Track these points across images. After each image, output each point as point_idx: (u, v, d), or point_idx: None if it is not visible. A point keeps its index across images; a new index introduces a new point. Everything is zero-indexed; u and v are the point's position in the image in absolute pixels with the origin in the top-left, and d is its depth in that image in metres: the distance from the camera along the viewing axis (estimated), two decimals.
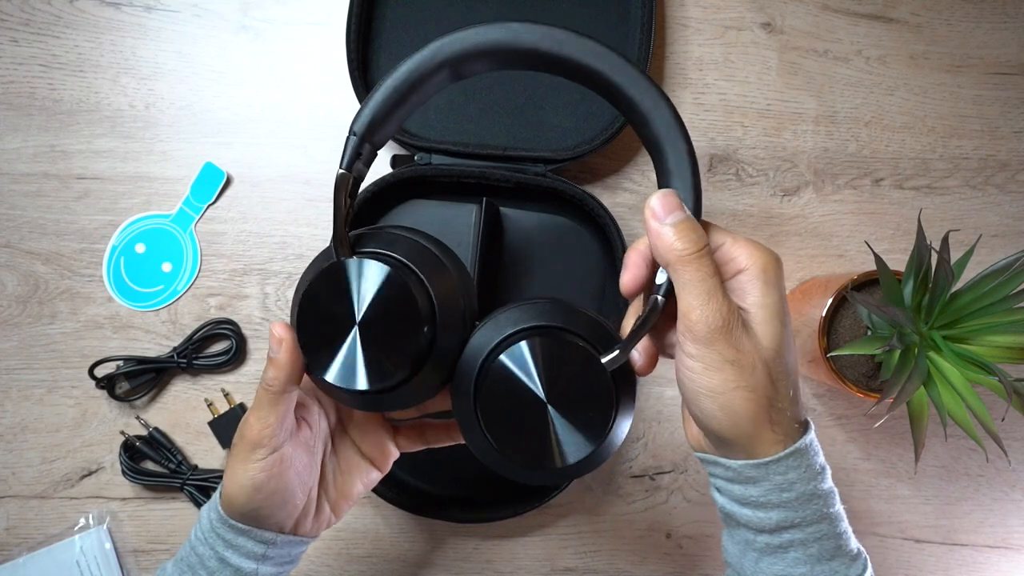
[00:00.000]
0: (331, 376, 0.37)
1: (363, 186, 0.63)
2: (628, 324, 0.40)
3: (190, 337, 0.65)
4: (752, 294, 0.36)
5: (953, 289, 0.52)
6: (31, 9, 0.68)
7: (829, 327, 0.58)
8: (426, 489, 0.65)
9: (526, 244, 0.66)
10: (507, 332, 0.39)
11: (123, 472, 0.64)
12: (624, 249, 0.63)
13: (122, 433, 0.65)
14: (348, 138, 0.40)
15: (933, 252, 0.52)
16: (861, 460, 0.67)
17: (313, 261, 0.41)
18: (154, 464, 0.65)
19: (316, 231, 0.67)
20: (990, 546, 0.67)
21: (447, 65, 0.39)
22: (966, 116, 0.69)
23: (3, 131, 0.67)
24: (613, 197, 0.68)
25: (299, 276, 0.67)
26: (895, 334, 0.51)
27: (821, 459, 0.38)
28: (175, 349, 0.65)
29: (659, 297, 0.37)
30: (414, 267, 0.38)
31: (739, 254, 0.37)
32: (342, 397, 0.41)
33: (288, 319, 0.41)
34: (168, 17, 0.68)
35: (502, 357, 0.37)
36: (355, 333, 0.37)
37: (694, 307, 0.35)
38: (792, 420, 0.37)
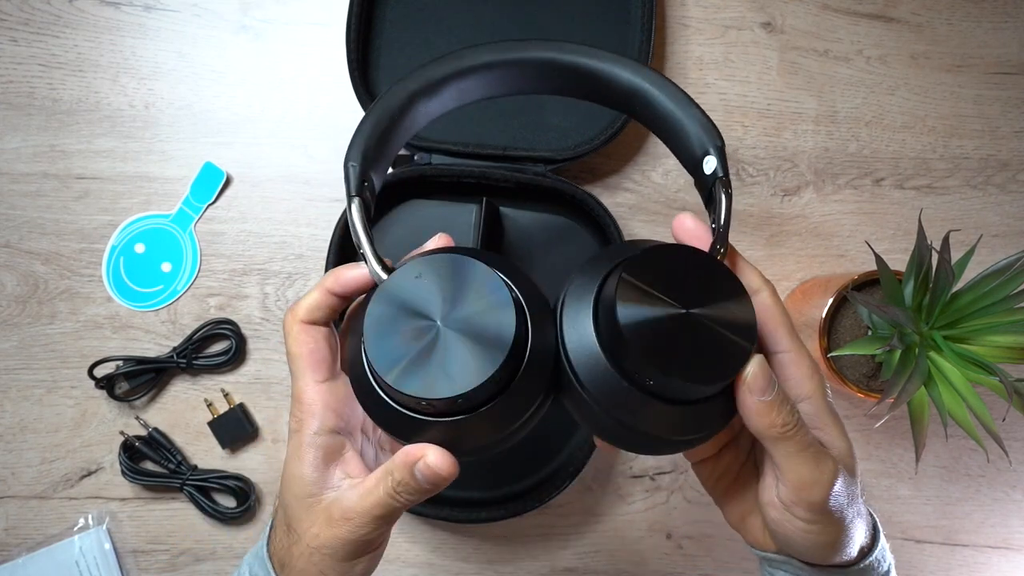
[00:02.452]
0: (433, 390, 0.31)
1: None
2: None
3: (190, 337, 0.65)
4: (828, 427, 0.35)
5: (954, 289, 0.52)
6: (30, 9, 0.68)
7: (830, 327, 0.58)
8: None
9: (526, 244, 0.66)
10: (600, 278, 0.33)
11: (122, 472, 0.64)
12: None
13: (121, 433, 0.65)
14: (347, 168, 0.36)
15: (934, 252, 0.51)
16: (862, 460, 0.66)
17: (359, 308, 0.36)
18: (154, 464, 0.65)
19: (316, 231, 0.67)
20: (991, 546, 0.67)
21: (418, 98, 0.37)
22: (967, 116, 0.69)
23: (2, 131, 0.67)
24: (613, 197, 0.68)
25: (299, 275, 0.67)
26: (896, 334, 0.51)
27: (890, 557, 0.40)
28: (175, 349, 0.65)
29: (720, 179, 0.35)
30: (475, 257, 0.34)
31: (797, 373, 0.35)
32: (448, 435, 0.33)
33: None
34: (168, 17, 0.68)
35: (619, 294, 0.31)
36: (439, 335, 0.31)
37: (807, 479, 0.33)
38: (865, 523, 0.38)
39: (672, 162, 0.68)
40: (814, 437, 0.34)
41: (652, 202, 0.68)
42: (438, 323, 0.31)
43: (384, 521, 0.34)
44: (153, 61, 0.68)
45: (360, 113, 0.65)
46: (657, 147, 0.68)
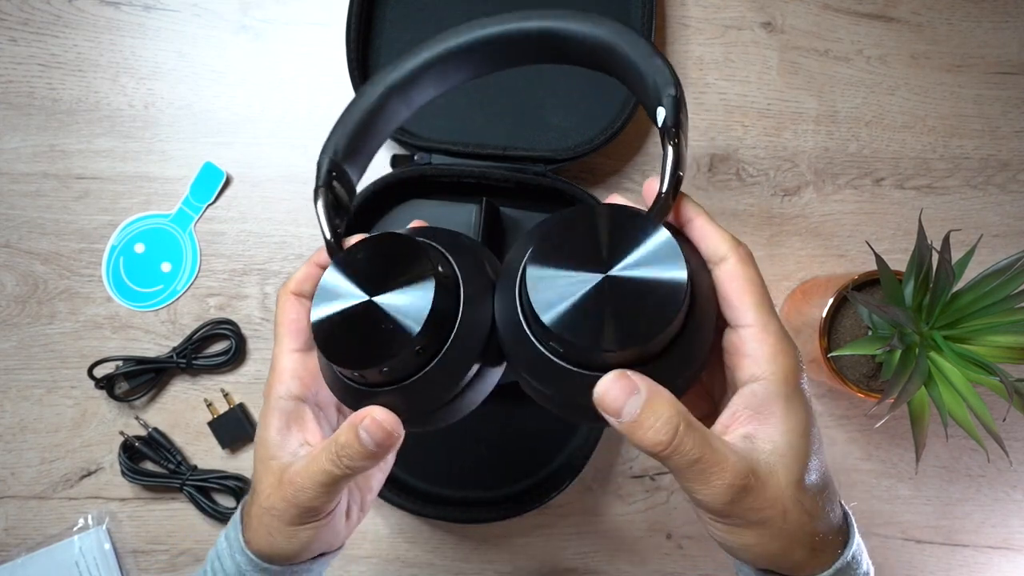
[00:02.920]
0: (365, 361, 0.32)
1: (362, 186, 0.63)
2: None
3: (189, 337, 0.65)
4: (772, 417, 0.31)
5: (954, 289, 0.52)
6: (30, 8, 0.68)
7: (830, 327, 0.58)
8: (426, 489, 0.65)
9: None
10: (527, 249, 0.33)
11: (122, 472, 0.64)
12: None
13: (121, 433, 0.65)
14: (321, 162, 0.39)
15: (934, 252, 0.51)
16: (862, 460, 0.66)
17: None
18: (153, 464, 0.65)
19: (316, 231, 0.67)
20: (991, 547, 0.66)
21: (393, 92, 0.39)
22: (967, 116, 0.69)
23: (2, 131, 0.67)
24: None
25: None
26: (896, 334, 0.51)
27: (866, 563, 0.34)
28: (174, 349, 0.65)
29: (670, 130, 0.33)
30: (417, 236, 0.36)
31: (757, 351, 0.31)
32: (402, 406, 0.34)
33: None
34: (168, 17, 0.68)
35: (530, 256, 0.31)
36: (365, 306, 0.33)
37: (696, 491, 0.30)
38: (834, 530, 0.33)
39: None
40: (710, 450, 0.30)
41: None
42: (367, 298, 0.33)
43: (326, 489, 0.34)
44: (153, 61, 0.68)
45: None
46: (657, 147, 0.68)
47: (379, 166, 0.68)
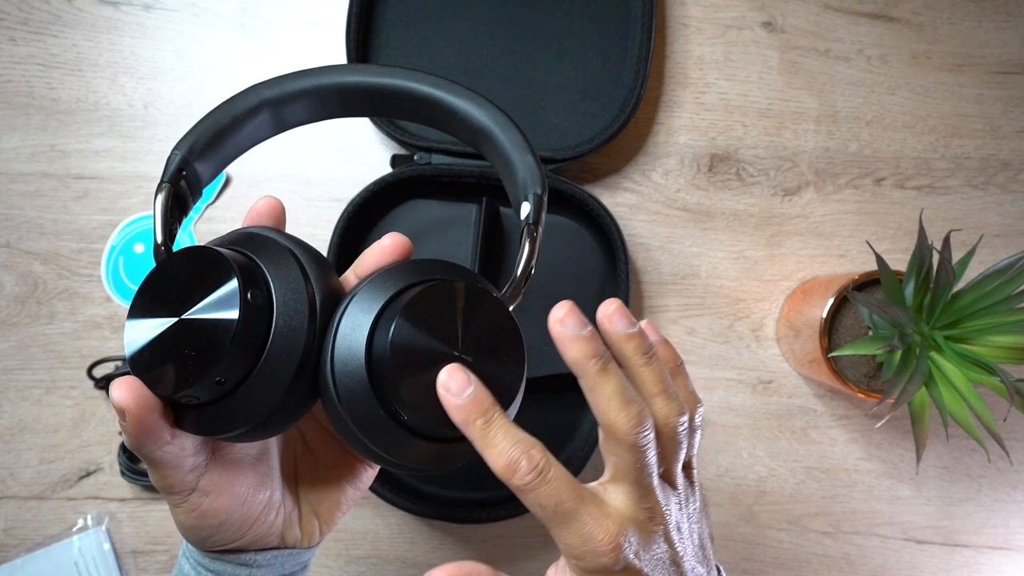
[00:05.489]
0: (157, 386, 0.32)
1: (362, 186, 0.63)
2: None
3: None
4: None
5: (955, 289, 0.52)
6: (29, 8, 0.68)
7: (830, 327, 0.58)
8: (426, 489, 0.65)
9: None
10: (386, 296, 0.33)
11: (122, 473, 0.64)
12: (624, 249, 0.63)
13: (121, 433, 0.65)
14: (171, 157, 0.36)
15: (935, 252, 0.51)
16: (862, 461, 0.66)
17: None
18: None
19: (316, 231, 0.67)
20: (992, 547, 0.66)
21: (267, 106, 0.38)
22: (968, 115, 0.69)
23: (1, 130, 0.67)
24: (613, 197, 0.68)
25: None
26: (896, 334, 0.51)
27: None
28: None
29: (529, 221, 0.35)
30: (235, 248, 0.34)
31: (558, 542, 0.31)
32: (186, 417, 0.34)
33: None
34: (167, 16, 0.68)
35: (396, 321, 0.31)
36: (169, 328, 0.32)
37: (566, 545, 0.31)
38: None
39: (672, 162, 0.68)
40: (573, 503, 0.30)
41: (652, 202, 0.68)
42: (176, 318, 0.32)
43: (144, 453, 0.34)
44: (152, 60, 0.68)
45: None
46: (657, 147, 0.68)
47: (379, 166, 0.68)
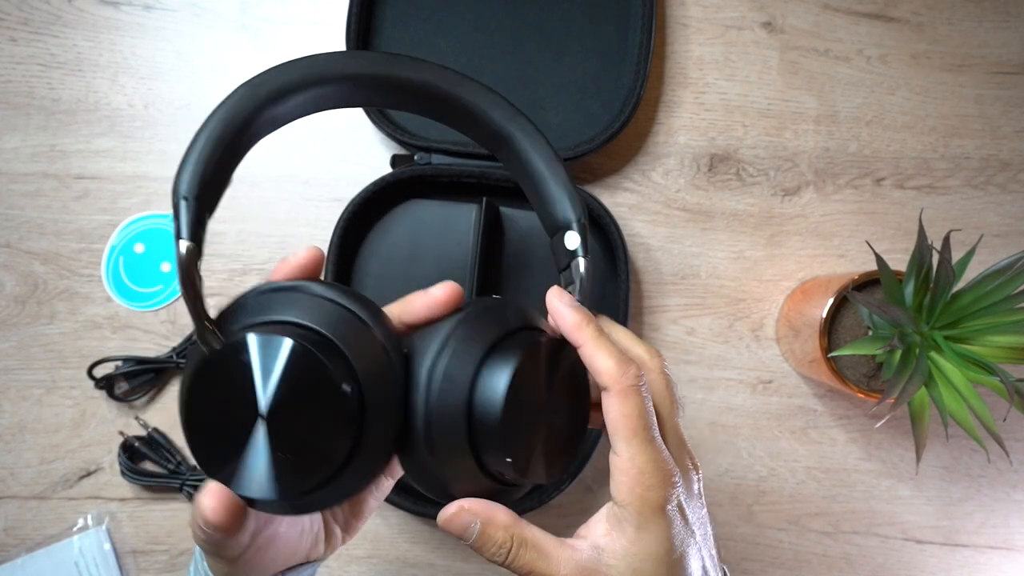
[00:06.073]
0: (246, 488, 0.30)
1: (362, 186, 0.63)
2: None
3: (189, 337, 0.65)
4: (623, 539, 0.33)
5: (954, 289, 0.52)
6: (29, 8, 0.68)
7: (830, 327, 0.58)
8: None
9: (526, 244, 0.65)
10: (480, 354, 0.32)
11: (122, 473, 0.64)
12: (624, 249, 0.63)
13: (121, 433, 0.65)
14: (179, 203, 0.31)
15: (934, 252, 0.51)
16: (862, 461, 0.66)
17: (187, 361, 0.34)
18: (153, 464, 0.65)
19: (316, 231, 0.67)
20: (992, 547, 0.66)
21: (268, 105, 0.34)
22: (968, 115, 0.69)
23: (1, 130, 0.67)
24: (613, 197, 0.68)
25: None
26: (896, 334, 0.51)
27: None
28: (174, 349, 0.65)
29: (579, 259, 0.36)
30: (312, 324, 0.32)
31: (620, 479, 0.33)
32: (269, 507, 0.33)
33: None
34: (167, 16, 0.68)
35: (490, 376, 0.32)
36: (260, 430, 0.30)
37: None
38: None
39: (672, 162, 0.68)
40: (536, 563, 0.33)
41: (652, 202, 0.68)
42: (258, 417, 0.30)
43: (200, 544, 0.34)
44: (152, 61, 0.68)
45: (360, 114, 0.64)
46: (657, 147, 0.68)
47: (379, 166, 0.68)
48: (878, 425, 0.66)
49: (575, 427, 0.35)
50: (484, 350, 0.32)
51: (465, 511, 0.34)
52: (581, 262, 0.37)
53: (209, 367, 0.30)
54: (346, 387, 0.30)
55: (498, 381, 0.31)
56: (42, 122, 0.67)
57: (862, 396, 0.57)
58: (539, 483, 0.34)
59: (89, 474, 0.65)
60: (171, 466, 0.64)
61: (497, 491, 0.34)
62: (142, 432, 0.65)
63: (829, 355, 0.56)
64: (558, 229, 0.38)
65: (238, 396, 0.30)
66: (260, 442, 0.29)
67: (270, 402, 0.29)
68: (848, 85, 0.68)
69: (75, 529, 0.64)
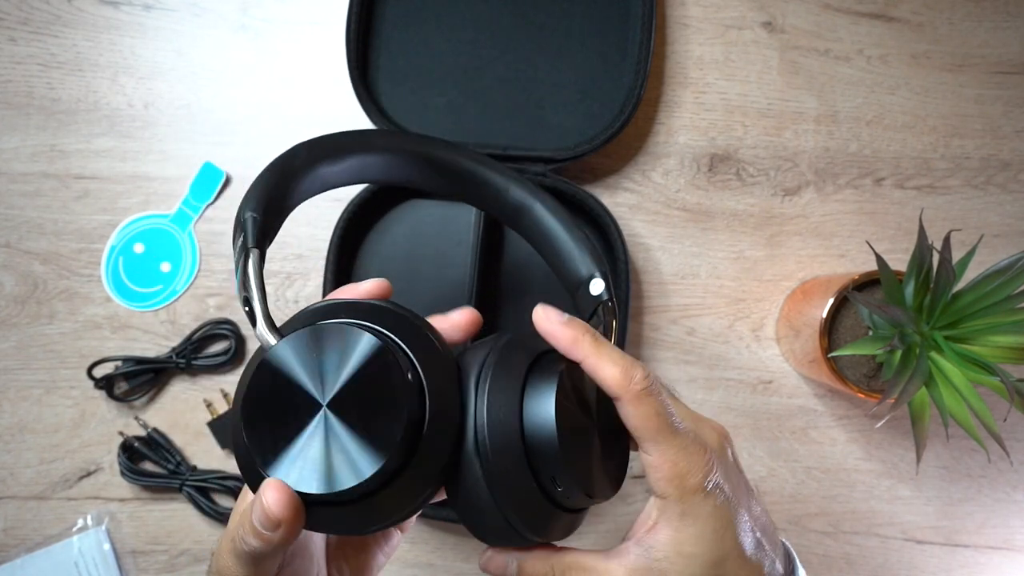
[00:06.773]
0: (304, 483, 0.29)
1: (362, 187, 0.63)
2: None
3: (189, 337, 0.65)
4: (668, 529, 0.33)
5: (955, 289, 0.52)
6: (29, 8, 0.67)
7: (830, 327, 0.58)
8: None
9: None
10: (521, 376, 0.32)
11: (122, 473, 0.64)
12: (624, 249, 0.63)
13: (121, 434, 0.65)
14: (246, 218, 0.34)
15: (935, 252, 0.51)
16: (862, 461, 0.66)
17: (247, 368, 0.33)
18: (153, 465, 0.65)
19: (315, 231, 0.67)
20: (992, 547, 0.66)
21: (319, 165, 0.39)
22: (968, 115, 0.68)
23: (1, 130, 0.67)
24: (613, 197, 0.68)
25: (298, 275, 0.67)
26: (896, 334, 0.51)
27: None
28: (174, 349, 0.65)
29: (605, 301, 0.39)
30: (372, 324, 0.32)
31: (654, 475, 0.33)
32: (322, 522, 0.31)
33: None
34: (167, 16, 0.68)
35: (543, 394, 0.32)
36: (321, 421, 0.29)
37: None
38: None
39: (672, 162, 0.68)
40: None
41: (652, 202, 0.68)
42: (322, 408, 0.29)
43: (242, 562, 0.33)
44: (152, 60, 0.68)
45: (360, 114, 0.64)
46: (657, 147, 0.68)
47: None
48: (878, 425, 0.66)
49: (619, 436, 0.35)
50: (522, 381, 0.33)
51: (497, 552, 0.35)
52: (608, 311, 0.39)
53: (276, 359, 0.30)
54: (415, 390, 0.30)
55: (545, 407, 0.32)
56: (42, 122, 0.67)
57: (862, 396, 0.57)
58: (603, 501, 0.34)
59: (89, 474, 0.65)
60: (171, 466, 0.64)
61: (561, 518, 0.34)
62: (142, 432, 0.65)
63: (829, 355, 0.56)
64: (581, 283, 0.40)
65: (303, 388, 0.29)
66: (320, 434, 0.29)
67: (336, 392, 0.29)
68: (848, 85, 0.68)
69: (75, 529, 0.64)
